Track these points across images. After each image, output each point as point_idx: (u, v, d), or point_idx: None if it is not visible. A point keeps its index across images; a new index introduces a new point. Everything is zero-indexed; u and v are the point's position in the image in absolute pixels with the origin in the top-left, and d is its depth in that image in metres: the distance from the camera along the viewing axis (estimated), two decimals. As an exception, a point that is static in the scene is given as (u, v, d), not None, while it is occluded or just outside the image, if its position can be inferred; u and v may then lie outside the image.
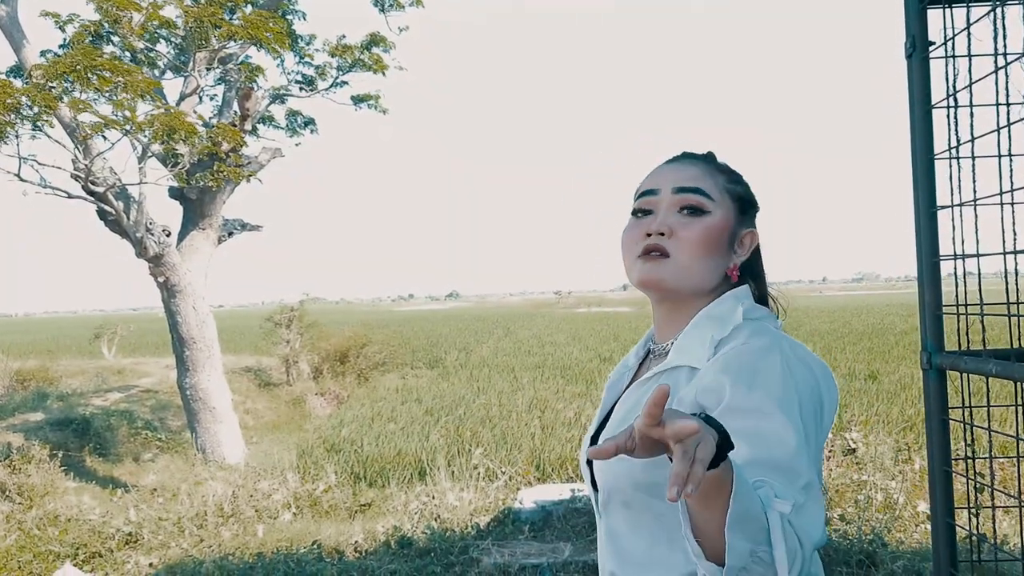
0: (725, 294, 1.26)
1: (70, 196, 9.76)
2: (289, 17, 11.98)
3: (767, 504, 0.91)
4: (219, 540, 5.97)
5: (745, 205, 1.29)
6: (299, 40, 12.36)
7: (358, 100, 12.75)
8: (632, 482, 1.14)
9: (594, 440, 1.29)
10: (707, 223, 1.22)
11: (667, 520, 1.11)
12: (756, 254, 1.32)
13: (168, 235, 10.60)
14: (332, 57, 12.28)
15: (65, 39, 10.58)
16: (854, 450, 7.00)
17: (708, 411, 1.07)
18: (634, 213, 1.29)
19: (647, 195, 1.27)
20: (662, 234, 1.22)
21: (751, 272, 1.32)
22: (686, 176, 1.25)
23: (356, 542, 5.59)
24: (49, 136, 9.30)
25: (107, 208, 9.95)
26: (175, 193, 11.18)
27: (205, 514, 6.44)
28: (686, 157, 1.31)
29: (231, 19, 10.17)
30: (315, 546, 5.54)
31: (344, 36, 12.21)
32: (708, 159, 1.30)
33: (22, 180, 9.18)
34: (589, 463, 1.29)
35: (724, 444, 0.83)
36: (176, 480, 9.20)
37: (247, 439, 12.57)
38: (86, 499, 7.51)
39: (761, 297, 1.32)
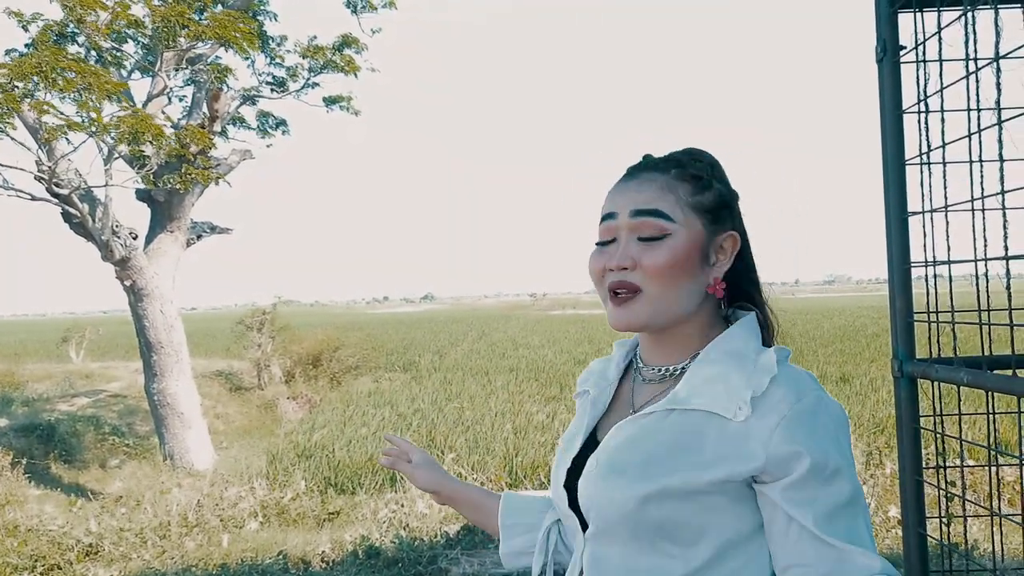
0: (734, 327, 1.17)
1: (34, 198, 9.57)
2: (260, 18, 11.86)
3: None
4: (182, 551, 5.83)
5: (717, 211, 1.18)
6: (270, 41, 12.24)
7: (330, 102, 12.64)
8: (634, 521, 1.08)
9: (576, 464, 1.21)
10: (671, 246, 1.13)
11: (668, 553, 1.07)
12: (742, 254, 1.21)
13: (135, 238, 10.42)
14: (303, 58, 12.17)
15: (30, 38, 10.38)
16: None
17: (776, 478, 1.05)
18: (597, 243, 1.20)
19: (607, 220, 1.18)
20: (625, 268, 1.14)
21: (734, 276, 1.21)
22: (644, 197, 1.15)
23: (323, 552, 5.49)
24: (12, 138, 9.11)
25: (72, 210, 9.77)
26: (143, 195, 11.01)
27: (168, 524, 6.30)
28: (645, 169, 1.20)
29: (200, 19, 10.03)
30: (281, 556, 5.44)
31: (315, 37, 12.11)
32: (660, 169, 1.19)
33: (-17, 182, 9.00)
34: (568, 487, 1.21)
35: None
36: (143, 487, 9.04)
37: (217, 444, 12.41)
38: (48, 508, 7.33)
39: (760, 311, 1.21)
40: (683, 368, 1.17)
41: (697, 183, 1.17)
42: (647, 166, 1.20)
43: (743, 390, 1.07)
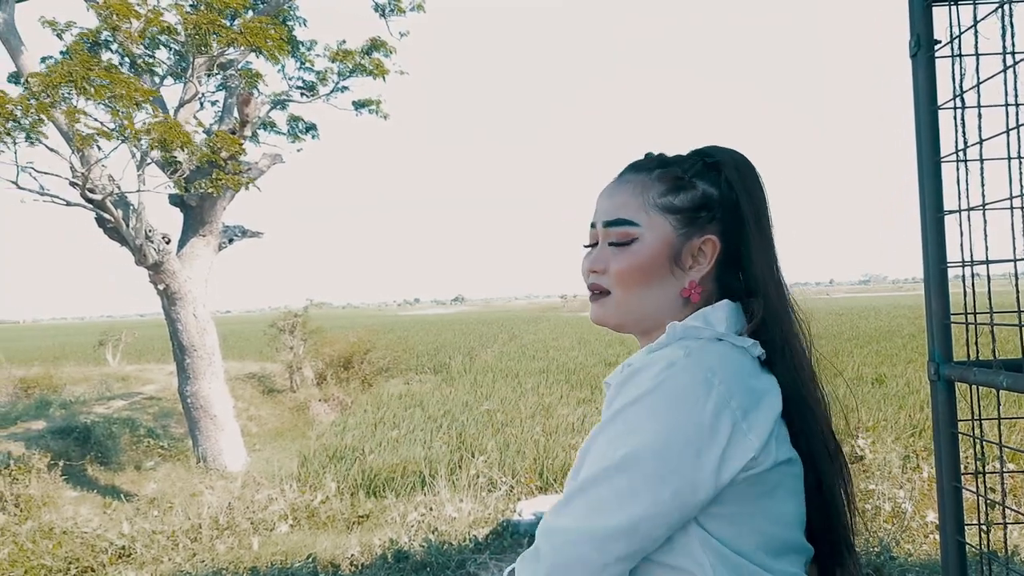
0: (690, 317, 1.10)
1: (68, 204, 9.69)
2: (290, 23, 11.94)
3: None
4: (213, 554, 5.86)
5: (693, 212, 1.13)
6: (300, 46, 12.33)
7: (359, 105, 12.70)
8: None
9: None
10: (635, 251, 1.12)
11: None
12: (737, 256, 1.14)
13: (168, 242, 10.54)
14: (333, 62, 12.24)
15: (65, 46, 10.54)
16: (862, 457, 6.87)
17: None
18: (584, 245, 1.22)
19: (591, 227, 1.19)
20: (596, 271, 1.16)
21: (724, 281, 1.15)
22: (613, 205, 1.15)
23: (352, 555, 5.48)
24: (46, 145, 9.23)
25: (106, 216, 9.90)
26: (175, 200, 11.14)
27: (200, 527, 6.34)
28: (631, 170, 1.18)
29: (231, 25, 10.12)
30: (310, 559, 5.44)
31: (344, 41, 12.18)
32: (644, 169, 1.17)
33: (20, 188, 9.12)
34: None
35: None
36: (176, 489, 9.13)
37: (250, 446, 12.50)
38: (83, 510, 7.43)
39: (769, 309, 1.10)
40: None
41: (673, 183, 1.14)
42: (633, 167, 1.19)
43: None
